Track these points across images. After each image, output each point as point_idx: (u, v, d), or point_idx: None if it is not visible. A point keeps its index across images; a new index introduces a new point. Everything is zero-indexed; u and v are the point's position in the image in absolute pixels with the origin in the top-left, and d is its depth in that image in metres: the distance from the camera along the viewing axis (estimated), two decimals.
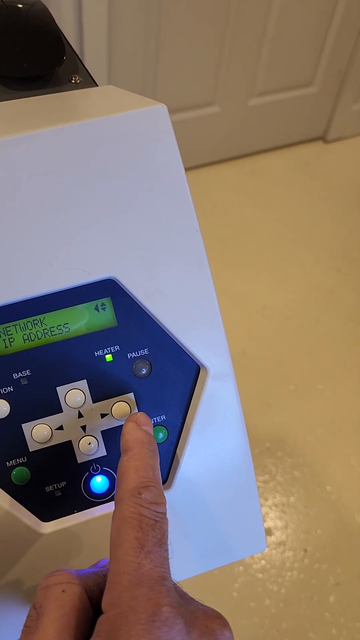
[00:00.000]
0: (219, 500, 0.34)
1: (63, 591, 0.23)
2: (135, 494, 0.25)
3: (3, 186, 0.28)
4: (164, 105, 0.31)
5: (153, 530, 0.24)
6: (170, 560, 0.24)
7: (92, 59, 1.39)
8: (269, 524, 1.12)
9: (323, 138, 2.00)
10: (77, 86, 0.39)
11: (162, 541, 0.24)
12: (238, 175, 1.85)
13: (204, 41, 1.52)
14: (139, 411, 0.32)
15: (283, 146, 1.95)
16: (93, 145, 0.29)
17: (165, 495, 0.33)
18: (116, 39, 1.40)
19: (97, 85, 0.39)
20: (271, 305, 1.48)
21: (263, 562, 1.07)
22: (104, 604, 0.22)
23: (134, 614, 0.21)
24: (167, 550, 0.24)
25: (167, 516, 0.25)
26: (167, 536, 0.24)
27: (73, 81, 0.39)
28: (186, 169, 0.31)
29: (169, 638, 0.20)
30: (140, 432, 0.28)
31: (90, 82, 0.39)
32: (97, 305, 0.31)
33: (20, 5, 0.42)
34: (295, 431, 1.25)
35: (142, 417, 0.29)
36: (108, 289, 0.31)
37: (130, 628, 0.20)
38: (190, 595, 0.25)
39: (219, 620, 0.23)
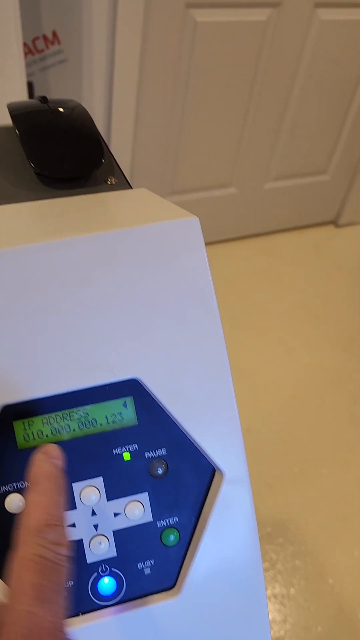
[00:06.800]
0: (227, 607, 0.34)
1: None
2: (37, 533, 0.23)
3: (42, 288, 0.29)
4: (196, 218, 0.32)
5: (53, 575, 0.22)
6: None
7: (118, 141, 1.47)
8: None
9: (334, 222, 2.07)
10: (112, 187, 0.41)
11: (60, 588, 0.22)
12: (251, 253, 1.90)
13: (224, 128, 1.61)
14: (152, 511, 0.32)
15: (295, 228, 2.01)
16: (127, 252, 0.31)
17: (173, 600, 0.32)
18: (142, 124, 1.48)
19: (131, 187, 0.42)
20: (277, 383, 1.48)
21: None
22: None
23: None
24: (64, 598, 0.22)
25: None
26: (66, 583, 0.23)
27: (109, 182, 0.41)
28: None
29: None
30: (50, 465, 0.26)
31: (124, 183, 0.42)
32: (119, 404, 0.31)
33: (62, 110, 0.45)
34: (297, 516, 1.21)
35: (53, 449, 0.27)
36: (131, 389, 0.31)
37: None
38: None
39: None
